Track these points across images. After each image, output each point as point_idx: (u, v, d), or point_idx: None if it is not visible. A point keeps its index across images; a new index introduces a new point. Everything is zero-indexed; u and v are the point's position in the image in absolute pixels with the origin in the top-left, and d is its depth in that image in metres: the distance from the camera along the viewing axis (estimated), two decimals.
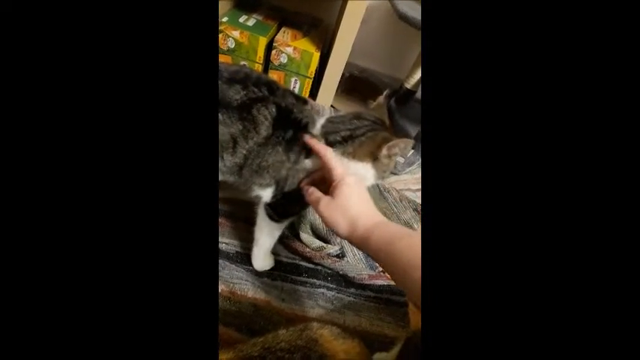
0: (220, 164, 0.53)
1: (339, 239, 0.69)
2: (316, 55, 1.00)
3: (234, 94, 0.50)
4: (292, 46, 1.00)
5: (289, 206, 0.56)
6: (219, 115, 0.49)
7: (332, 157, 0.48)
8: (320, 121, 0.53)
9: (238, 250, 0.66)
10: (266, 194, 0.56)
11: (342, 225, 0.43)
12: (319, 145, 0.49)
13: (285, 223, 0.60)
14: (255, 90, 0.51)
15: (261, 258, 0.63)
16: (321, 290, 0.64)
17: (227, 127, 0.50)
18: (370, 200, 0.46)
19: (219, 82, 0.50)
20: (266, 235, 0.61)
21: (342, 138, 0.51)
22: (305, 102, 0.55)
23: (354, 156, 0.51)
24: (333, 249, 0.67)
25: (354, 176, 0.47)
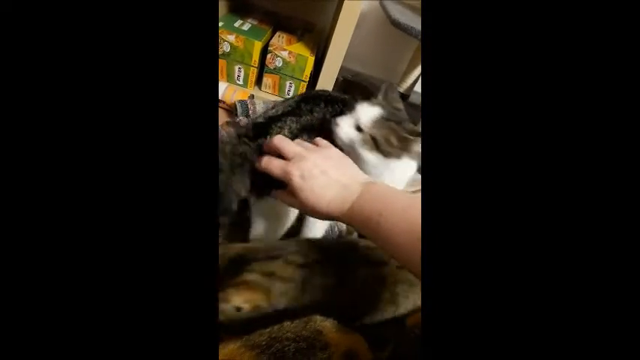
0: None
1: None
2: (311, 59, 1.02)
3: None
4: (287, 50, 1.01)
5: None
6: None
7: (280, 142, 0.46)
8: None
9: None
10: None
11: (320, 218, 0.43)
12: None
13: None
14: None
15: None
16: None
17: None
18: (337, 177, 0.42)
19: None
20: None
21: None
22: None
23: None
24: None
25: (300, 167, 0.42)
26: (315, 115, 0.55)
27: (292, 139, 0.50)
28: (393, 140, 0.49)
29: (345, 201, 0.41)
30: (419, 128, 0.50)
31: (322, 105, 0.56)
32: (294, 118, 0.54)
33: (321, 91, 0.65)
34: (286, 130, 0.53)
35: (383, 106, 0.50)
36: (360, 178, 0.43)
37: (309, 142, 0.48)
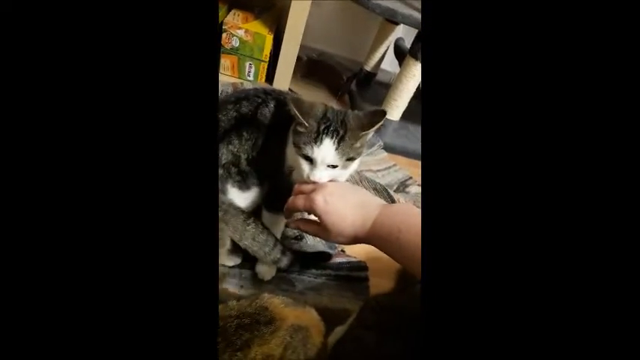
0: None
1: None
2: (269, 38, 0.98)
3: None
4: (244, 29, 0.96)
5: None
6: None
7: (299, 188, 0.50)
8: None
9: None
10: None
11: (345, 242, 0.46)
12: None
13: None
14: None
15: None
16: (282, 274, 0.64)
17: None
18: (356, 199, 0.46)
19: None
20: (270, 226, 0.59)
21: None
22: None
23: None
24: (291, 231, 0.67)
25: (322, 193, 0.46)
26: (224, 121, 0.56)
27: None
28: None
29: (367, 220, 0.43)
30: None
31: (230, 106, 0.55)
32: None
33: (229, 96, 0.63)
34: None
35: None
36: (376, 199, 0.47)
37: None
